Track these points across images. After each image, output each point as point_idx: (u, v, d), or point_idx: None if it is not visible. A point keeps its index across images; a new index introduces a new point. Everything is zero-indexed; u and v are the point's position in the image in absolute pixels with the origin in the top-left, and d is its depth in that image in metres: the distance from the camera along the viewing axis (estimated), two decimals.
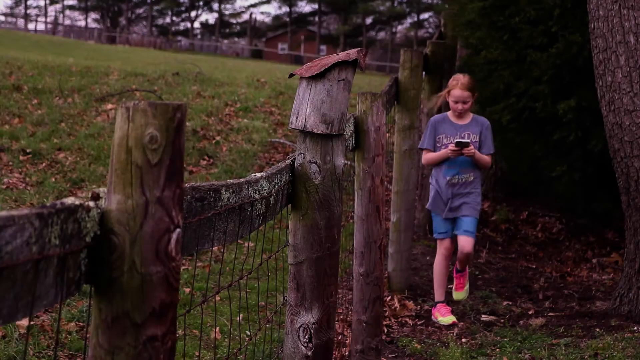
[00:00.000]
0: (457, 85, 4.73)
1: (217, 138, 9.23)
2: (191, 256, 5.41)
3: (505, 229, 7.30)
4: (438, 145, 4.78)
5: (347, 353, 3.98)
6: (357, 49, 2.36)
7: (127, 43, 48.84)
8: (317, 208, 2.34)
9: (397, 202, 5.32)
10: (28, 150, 8.14)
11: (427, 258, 6.16)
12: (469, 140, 4.67)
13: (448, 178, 4.75)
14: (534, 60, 5.90)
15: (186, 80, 12.77)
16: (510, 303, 5.23)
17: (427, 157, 4.85)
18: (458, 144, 4.62)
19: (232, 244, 5.72)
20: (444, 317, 4.83)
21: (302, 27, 59.34)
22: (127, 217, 1.29)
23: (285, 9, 59.10)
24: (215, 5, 61.73)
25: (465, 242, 4.75)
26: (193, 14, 62.81)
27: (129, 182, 1.29)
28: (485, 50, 6.26)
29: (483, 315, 4.98)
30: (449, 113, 4.84)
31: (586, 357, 4.18)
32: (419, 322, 4.85)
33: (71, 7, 65.39)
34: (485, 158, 4.75)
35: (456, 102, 4.73)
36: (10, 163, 7.80)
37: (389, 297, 5.13)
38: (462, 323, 4.81)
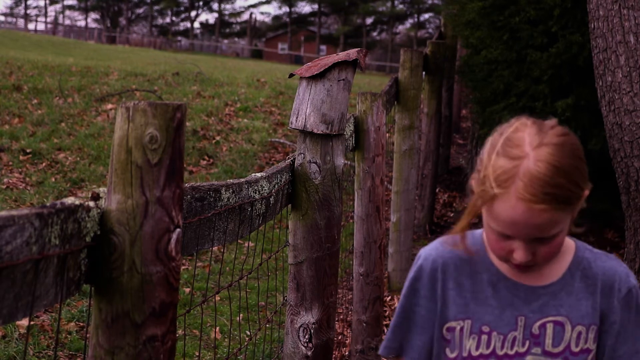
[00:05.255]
0: (516, 190, 1.35)
1: (217, 138, 9.22)
2: (191, 256, 5.41)
3: None
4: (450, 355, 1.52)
5: (347, 353, 3.97)
6: (357, 49, 2.36)
7: (127, 43, 48.84)
8: (317, 208, 2.34)
9: (397, 202, 5.32)
10: (28, 150, 8.14)
11: None
12: None
13: None
14: (534, 60, 5.90)
15: (186, 80, 12.77)
16: None
17: None
18: None
19: (232, 244, 5.72)
20: None
21: (302, 27, 59.35)
22: (127, 217, 1.29)
23: (285, 9, 59.11)
24: (215, 5, 61.73)
25: None
26: (193, 14, 62.84)
27: (129, 182, 1.29)
28: (485, 50, 6.25)
29: None
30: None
31: None
32: None
33: (71, 7, 65.41)
34: None
35: (506, 239, 1.40)
36: (10, 163, 7.80)
37: (389, 297, 5.13)
38: None
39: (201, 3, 61.80)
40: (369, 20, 56.68)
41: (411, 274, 1.55)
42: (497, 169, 1.37)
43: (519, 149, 1.37)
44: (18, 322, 4.01)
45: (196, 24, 65.59)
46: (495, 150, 1.39)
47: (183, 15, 64.00)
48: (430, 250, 1.55)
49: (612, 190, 5.55)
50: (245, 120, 10.21)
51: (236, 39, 64.80)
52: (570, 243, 1.54)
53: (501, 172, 1.36)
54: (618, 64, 4.63)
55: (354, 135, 3.30)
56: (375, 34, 58.68)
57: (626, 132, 4.64)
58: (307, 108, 2.31)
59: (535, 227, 1.35)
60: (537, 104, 5.86)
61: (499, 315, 1.47)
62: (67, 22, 66.03)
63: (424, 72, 6.22)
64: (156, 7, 62.99)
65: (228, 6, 65.61)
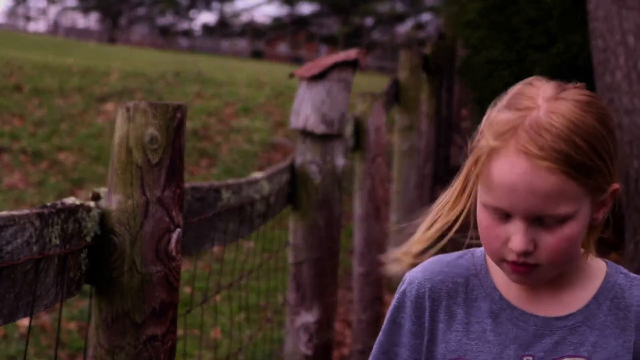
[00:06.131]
0: (517, 142, 1.03)
1: (218, 138, 9.23)
2: (191, 256, 5.40)
3: None
4: None
5: (347, 353, 3.98)
6: (356, 50, 2.37)
7: (128, 43, 48.84)
8: (317, 208, 2.34)
9: (397, 202, 5.32)
10: (29, 151, 8.14)
11: None
12: None
13: None
14: (534, 60, 5.90)
15: (186, 81, 12.77)
16: None
17: None
18: None
19: (232, 244, 5.71)
20: None
21: (303, 28, 59.36)
22: (128, 217, 1.29)
23: (286, 10, 59.14)
24: (216, 6, 61.75)
25: None
26: (193, 14, 62.84)
27: (130, 182, 1.29)
28: (485, 50, 6.26)
29: None
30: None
31: None
32: None
33: (71, 8, 65.44)
34: None
35: (501, 220, 1.07)
36: (11, 163, 7.80)
37: (389, 297, 5.14)
38: None
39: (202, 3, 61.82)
40: (369, 21, 56.70)
41: (392, 302, 1.24)
42: (497, 122, 1.05)
43: (530, 101, 1.06)
44: (18, 322, 4.02)
45: (197, 25, 65.58)
46: (500, 106, 1.08)
47: (183, 16, 64.02)
48: (416, 273, 1.23)
49: None
50: (246, 120, 10.22)
51: (236, 40, 64.81)
52: (600, 265, 1.16)
53: (501, 125, 1.04)
54: (617, 65, 4.63)
55: (354, 135, 3.30)
56: (375, 34, 58.71)
57: (625, 132, 4.65)
58: (307, 108, 2.31)
59: (537, 195, 1.01)
60: None
61: (498, 354, 1.12)
62: (68, 22, 66.07)
63: (424, 73, 6.22)
64: (157, 8, 63.01)
65: (228, 7, 65.62)
